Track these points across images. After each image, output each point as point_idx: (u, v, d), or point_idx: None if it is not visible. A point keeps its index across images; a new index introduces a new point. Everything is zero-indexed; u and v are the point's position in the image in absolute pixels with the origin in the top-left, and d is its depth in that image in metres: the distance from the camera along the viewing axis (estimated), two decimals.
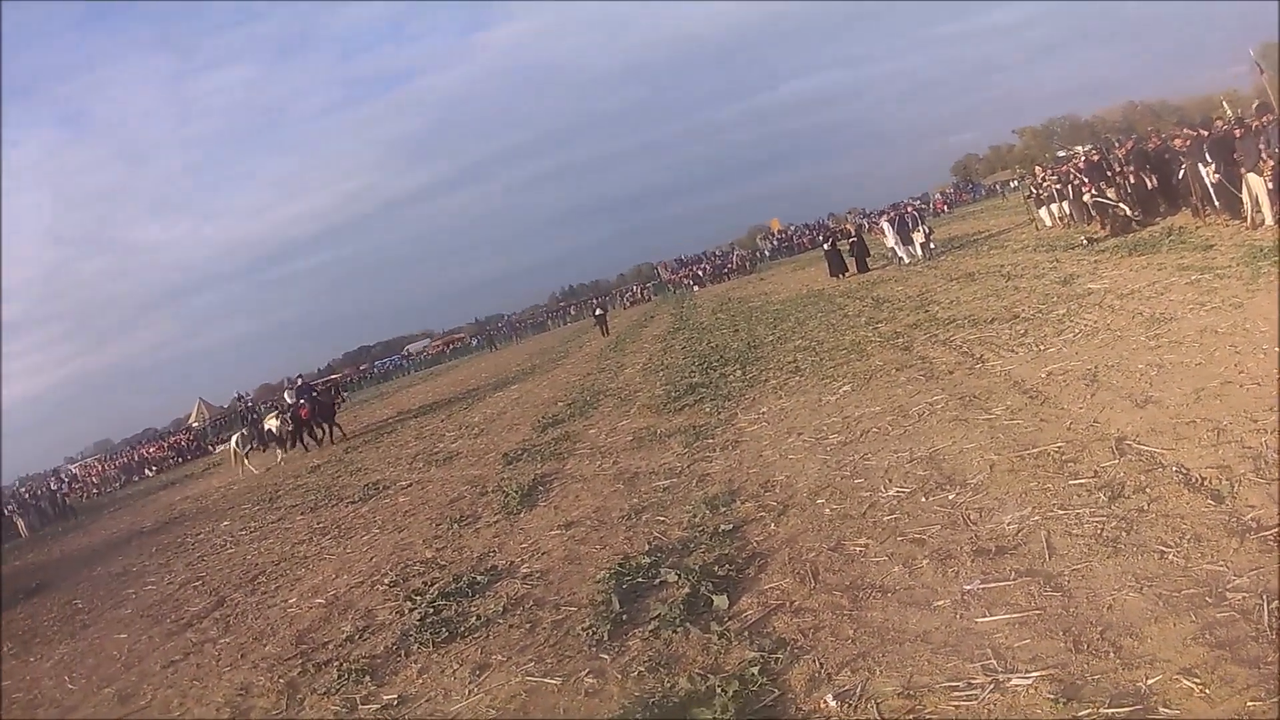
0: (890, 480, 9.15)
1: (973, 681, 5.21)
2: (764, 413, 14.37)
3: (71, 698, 11.57)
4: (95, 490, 64.41)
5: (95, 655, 13.41)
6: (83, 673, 12.62)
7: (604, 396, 22.81)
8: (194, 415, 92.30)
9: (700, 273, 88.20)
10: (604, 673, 6.78)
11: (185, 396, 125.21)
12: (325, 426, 34.45)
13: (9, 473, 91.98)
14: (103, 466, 72.91)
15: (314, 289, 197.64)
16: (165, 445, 75.07)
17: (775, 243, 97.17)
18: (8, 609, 21.18)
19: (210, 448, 70.87)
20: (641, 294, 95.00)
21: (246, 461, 33.66)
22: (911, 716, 5.06)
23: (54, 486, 57.16)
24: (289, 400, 34.47)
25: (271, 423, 33.74)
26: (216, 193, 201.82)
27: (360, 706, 7.86)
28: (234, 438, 35.41)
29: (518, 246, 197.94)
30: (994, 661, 5.34)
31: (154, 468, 68.26)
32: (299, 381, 35.73)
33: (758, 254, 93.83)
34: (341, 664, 9.03)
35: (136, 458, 72.52)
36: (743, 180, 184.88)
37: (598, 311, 55.82)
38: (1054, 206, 33.28)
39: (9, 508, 49.87)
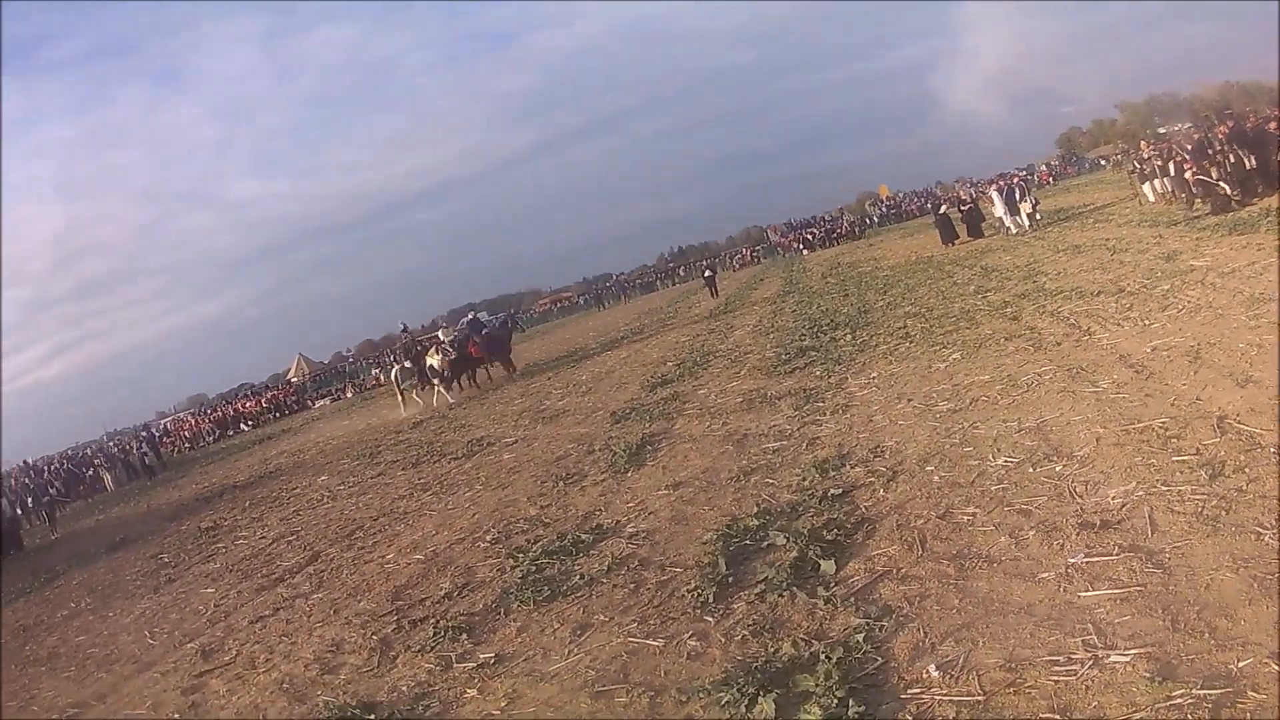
0: (999, 449, 9.23)
1: (1073, 656, 5.29)
2: (874, 378, 14.47)
3: (151, 653, 11.77)
4: (188, 445, 65.22)
5: (179, 610, 13.66)
6: (165, 627, 12.85)
7: (714, 357, 22.95)
8: (293, 370, 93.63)
9: (810, 236, 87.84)
10: (707, 635, 6.90)
11: (283, 352, 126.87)
12: (500, 364, 34.09)
13: (98, 428, 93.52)
14: (196, 421, 73.66)
15: (420, 246, 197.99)
16: (262, 400, 75.79)
17: (884, 209, 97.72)
18: (89, 564, 21.67)
19: (310, 403, 72.28)
20: (750, 256, 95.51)
21: (411, 397, 33.35)
22: (1011, 690, 5.15)
23: (135, 445, 58.05)
24: (443, 339, 33.56)
25: (434, 359, 32.64)
26: (320, 149, 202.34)
27: (455, 665, 7.98)
28: (394, 371, 35.09)
29: (626, 207, 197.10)
30: (1094, 637, 5.43)
31: (250, 422, 68.83)
32: (470, 315, 34.97)
33: (866, 219, 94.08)
34: (438, 621, 9.17)
35: (232, 412, 73.27)
36: (850, 146, 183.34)
37: (706, 273, 55.97)
38: (1156, 182, 33.42)
39: (95, 461, 50.86)
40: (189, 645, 11.51)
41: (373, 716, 7.46)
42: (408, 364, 34.06)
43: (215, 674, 10.07)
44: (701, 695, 5.96)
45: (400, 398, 33.32)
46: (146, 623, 13.57)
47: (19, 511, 36.62)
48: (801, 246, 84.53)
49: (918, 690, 5.38)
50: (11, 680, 12.90)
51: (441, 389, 32.10)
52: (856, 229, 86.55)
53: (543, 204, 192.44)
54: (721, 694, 5.83)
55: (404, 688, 7.90)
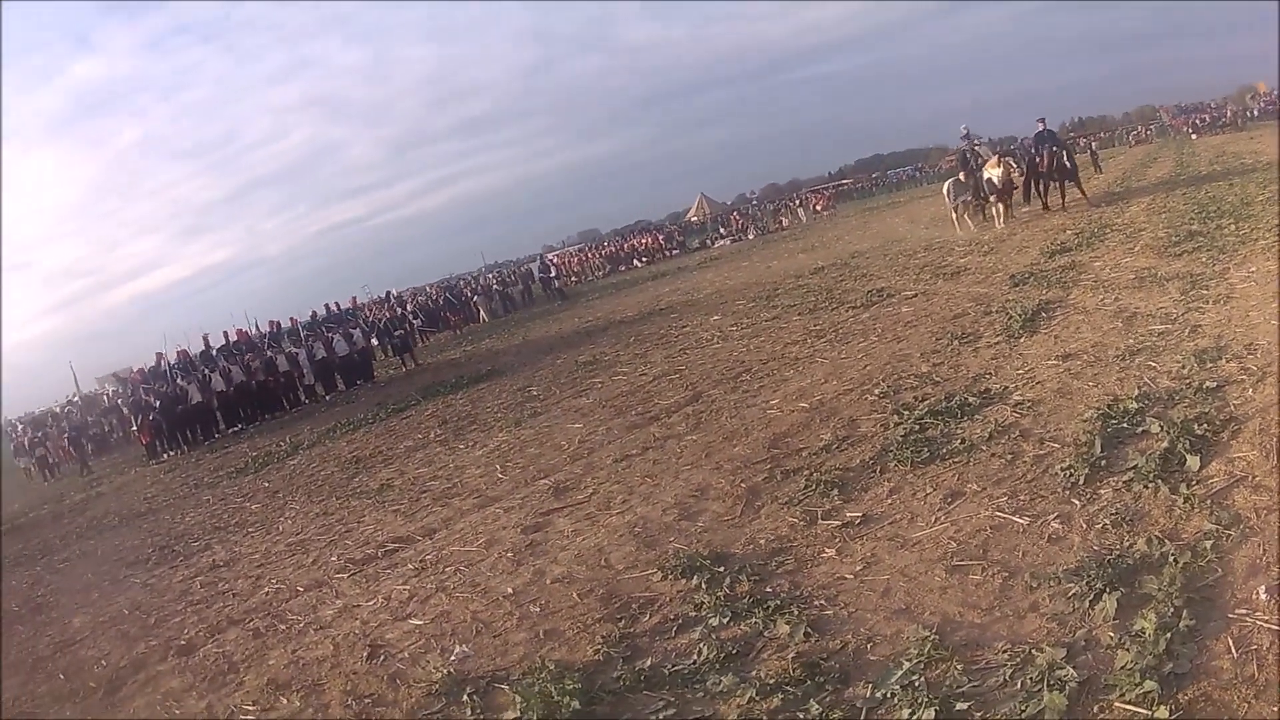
0: None
1: None
2: (1254, 272, 14.23)
3: (498, 488, 12.81)
4: (575, 279, 68.72)
5: (539, 444, 14.74)
6: (520, 462, 13.94)
7: (1110, 231, 23.08)
8: (694, 210, 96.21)
9: (1198, 121, 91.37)
10: (1071, 519, 7.11)
11: (682, 192, 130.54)
12: (1073, 185, 32.71)
13: (476, 260, 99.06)
14: (586, 255, 76.86)
15: (826, 96, 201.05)
16: (659, 237, 78.62)
17: (1262, 104, 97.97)
18: (446, 395, 23.73)
19: (709, 242, 75.29)
20: (1145, 134, 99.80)
21: (965, 215, 32.47)
22: None
23: (513, 277, 60.82)
24: (982, 153, 33.10)
25: (992, 172, 31.33)
26: None
27: (820, 521, 8.42)
28: (947, 185, 34.01)
29: (1022, 73, 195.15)
30: None
31: (644, 259, 71.98)
32: (1040, 127, 33.36)
33: (1246, 112, 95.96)
34: (811, 474, 9.66)
35: (625, 248, 76.10)
36: (1233, 36, 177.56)
37: (1093, 148, 57.77)
38: None
39: (465, 295, 53.76)
40: (542, 481, 12.42)
41: (721, 569, 7.92)
42: (962, 177, 33.01)
43: (564, 513, 10.83)
44: (1051, 583, 6.21)
45: (954, 215, 32.79)
46: (500, 457, 14.68)
47: (373, 343, 40.14)
48: (1190, 130, 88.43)
49: (1244, 612, 5.49)
50: (329, 513, 14.32)
51: (999, 206, 31.45)
52: (1239, 120, 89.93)
53: (948, 61, 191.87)
54: (1070, 585, 6.08)
55: (762, 541, 8.40)
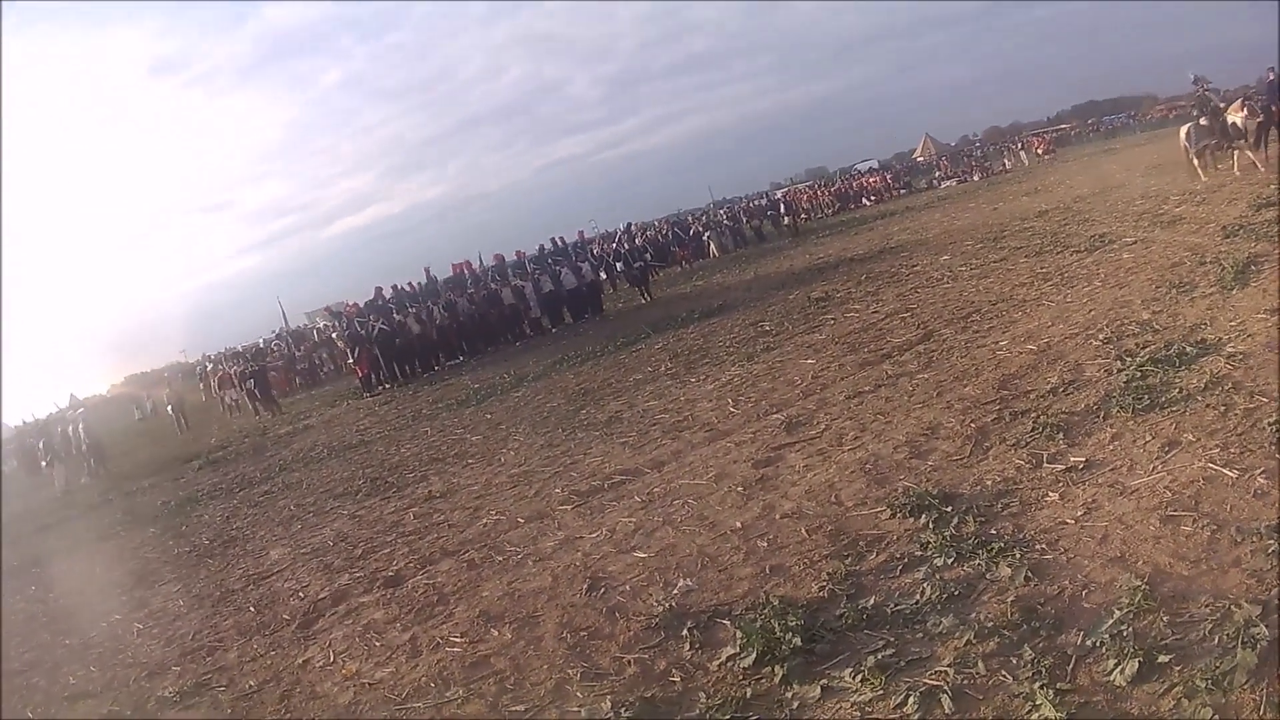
0: None
1: None
2: None
3: (729, 421, 13.33)
4: (805, 216, 68.48)
5: (772, 379, 15.28)
6: (752, 396, 14.51)
7: None
8: (920, 150, 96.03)
9: None
10: (1275, 474, 7.20)
11: (906, 132, 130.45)
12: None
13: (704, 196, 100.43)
14: (815, 193, 77.37)
15: (1045, 38, 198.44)
16: (886, 177, 79.49)
17: None
18: (677, 329, 24.36)
19: (935, 183, 76.36)
20: None
21: (1196, 161, 30.56)
22: None
23: (723, 218, 61.35)
24: (1213, 99, 31.17)
25: (1236, 116, 29.87)
26: None
27: (1045, 465, 8.70)
28: (1186, 129, 31.95)
29: (1210, 28, 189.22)
30: None
31: (872, 197, 72.66)
32: (1270, 75, 31.70)
33: None
34: (1038, 416, 10.04)
35: (854, 186, 76.71)
36: None
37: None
38: None
39: (693, 230, 54.67)
40: (774, 416, 12.93)
41: (949, 509, 8.23)
42: (1203, 121, 30.79)
43: (795, 448, 11.25)
44: (1254, 539, 6.38)
45: (1193, 160, 30.88)
46: (731, 391, 15.20)
47: (603, 276, 41.29)
48: None
49: None
50: (553, 445, 14.95)
51: (1246, 151, 29.94)
52: None
53: (1143, 13, 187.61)
54: (1270, 541, 6.25)
55: (989, 482, 8.73)
